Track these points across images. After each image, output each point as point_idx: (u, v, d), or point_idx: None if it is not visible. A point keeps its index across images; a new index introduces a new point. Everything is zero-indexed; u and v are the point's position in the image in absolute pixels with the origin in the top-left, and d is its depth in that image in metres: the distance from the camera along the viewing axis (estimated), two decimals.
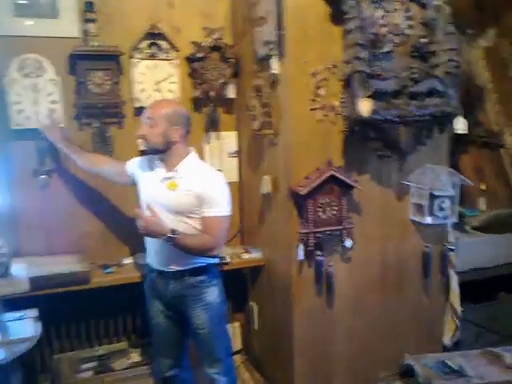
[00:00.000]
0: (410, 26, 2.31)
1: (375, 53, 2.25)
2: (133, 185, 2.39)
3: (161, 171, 2.24)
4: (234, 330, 3.09)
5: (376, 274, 2.66)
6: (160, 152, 2.22)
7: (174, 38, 2.70)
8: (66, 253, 2.64)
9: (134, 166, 2.39)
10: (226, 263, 2.69)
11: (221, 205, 2.18)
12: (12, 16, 2.42)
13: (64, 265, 2.49)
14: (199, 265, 2.25)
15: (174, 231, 2.09)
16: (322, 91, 2.37)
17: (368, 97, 2.25)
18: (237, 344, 3.07)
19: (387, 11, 2.25)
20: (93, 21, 2.50)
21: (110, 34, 2.60)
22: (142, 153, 2.61)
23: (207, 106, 2.85)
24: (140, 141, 2.60)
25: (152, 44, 2.64)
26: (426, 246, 2.70)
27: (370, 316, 2.68)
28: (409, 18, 2.30)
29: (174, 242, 2.10)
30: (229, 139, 2.95)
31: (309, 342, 2.58)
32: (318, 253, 2.50)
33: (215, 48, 2.72)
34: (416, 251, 2.71)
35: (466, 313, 2.88)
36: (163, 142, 2.19)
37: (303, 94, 2.36)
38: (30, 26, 2.46)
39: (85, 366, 2.70)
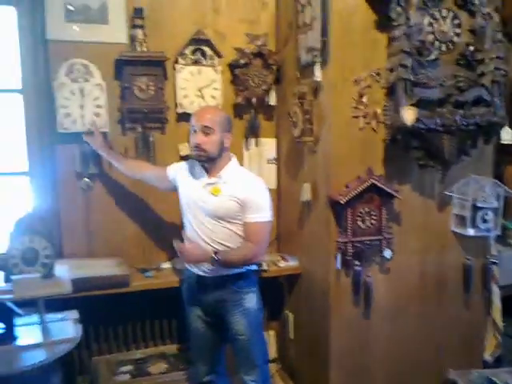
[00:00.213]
0: (458, 34, 2.28)
1: (420, 60, 2.23)
2: (173, 190, 2.42)
3: (203, 177, 2.26)
4: (269, 338, 3.07)
5: (415, 285, 2.62)
6: (212, 160, 2.22)
7: (218, 44, 2.73)
8: (105, 256, 2.68)
9: (175, 171, 2.42)
10: (264, 270, 2.68)
11: (263, 210, 2.20)
12: (63, 21, 2.49)
13: (104, 268, 2.53)
14: (239, 271, 2.26)
15: (216, 252, 2.13)
16: (364, 99, 2.36)
17: (412, 105, 2.23)
18: (272, 353, 3.04)
19: (435, 18, 2.22)
20: (141, 27, 2.54)
21: (155, 39, 2.64)
22: (183, 158, 2.65)
23: (248, 113, 2.86)
24: (182, 148, 2.68)
25: (196, 50, 2.67)
26: (467, 259, 2.64)
27: (408, 328, 2.63)
28: (457, 26, 2.27)
29: (219, 263, 2.13)
30: (268, 146, 2.95)
31: (346, 353, 2.55)
32: (356, 263, 2.47)
33: (258, 54, 2.73)
34: (457, 263, 2.65)
35: (508, 328, 2.82)
36: (218, 150, 2.21)
37: (346, 101, 2.35)
38: (79, 31, 2.52)
39: (122, 368, 2.70)
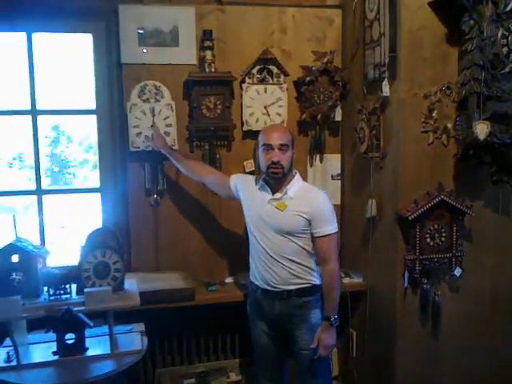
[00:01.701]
0: None
1: (494, 73, 2.18)
2: (233, 199, 2.45)
3: (268, 193, 2.27)
4: (332, 355, 3.01)
5: (487, 306, 2.54)
6: (285, 176, 2.23)
7: (285, 62, 2.75)
8: (171, 269, 2.74)
9: (238, 181, 2.43)
10: None
11: (332, 223, 2.22)
12: (136, 46, 2.58)
13: (170, 281, 2.58)
14: (304, 286, 2.26)
15: (327, 318, 2.22)
16: (434, 113, 2.33)
17: (485, 119, 2.18)
18: (334, 370, 3.00)
19: (509, 30, 2.16)
20: (210, 48, 2.60)
21: (223, 59, 2.70)
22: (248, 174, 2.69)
23: (313, 129, 2.86)
24: (248, 164, 2.72)
25: (263, 69, 2.71)
26: None
27: (479, 351, 2.54)
28: None
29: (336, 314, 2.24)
30: (332, 162, 2.94)
31: (412, 374, 2.49)
32: (425, 281, 2.42)
33: (324, 71, 2.73)
34: None
35: None
36: (290, 166, 2.24)
37: (414, 116, 2.33)
38: (151, 54, 2.61)
39: (185, 381, 2.74)
